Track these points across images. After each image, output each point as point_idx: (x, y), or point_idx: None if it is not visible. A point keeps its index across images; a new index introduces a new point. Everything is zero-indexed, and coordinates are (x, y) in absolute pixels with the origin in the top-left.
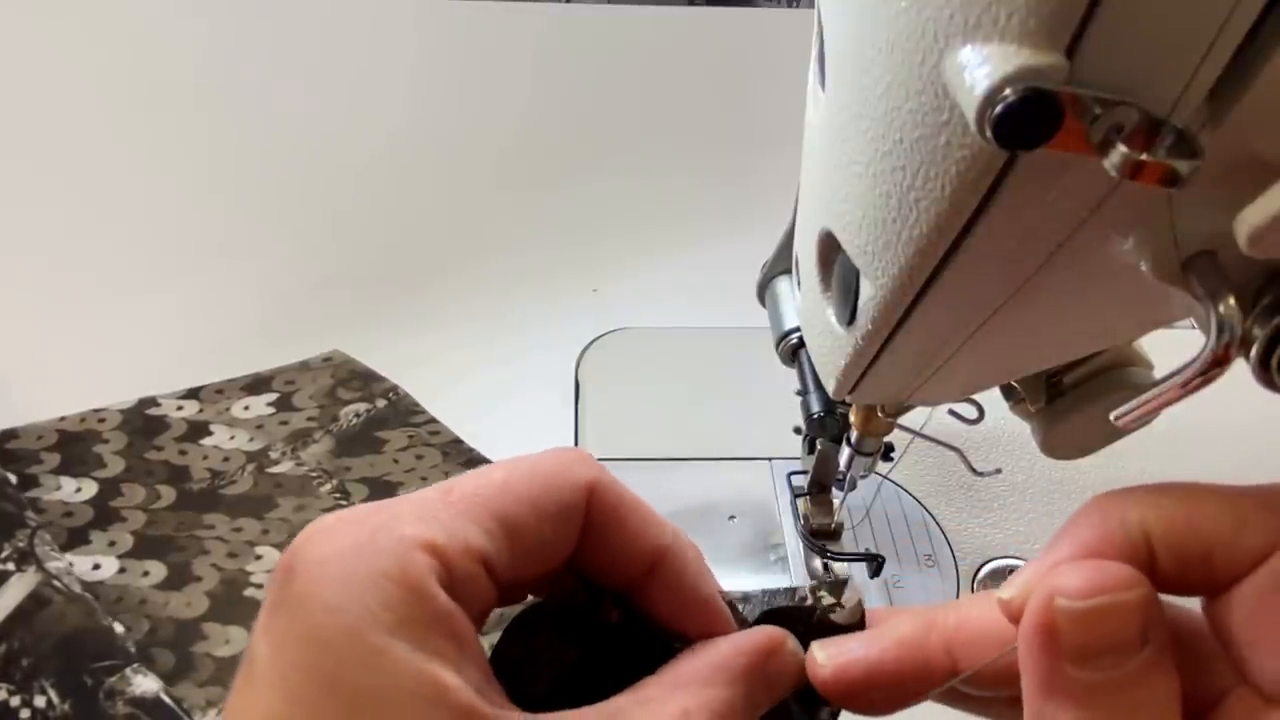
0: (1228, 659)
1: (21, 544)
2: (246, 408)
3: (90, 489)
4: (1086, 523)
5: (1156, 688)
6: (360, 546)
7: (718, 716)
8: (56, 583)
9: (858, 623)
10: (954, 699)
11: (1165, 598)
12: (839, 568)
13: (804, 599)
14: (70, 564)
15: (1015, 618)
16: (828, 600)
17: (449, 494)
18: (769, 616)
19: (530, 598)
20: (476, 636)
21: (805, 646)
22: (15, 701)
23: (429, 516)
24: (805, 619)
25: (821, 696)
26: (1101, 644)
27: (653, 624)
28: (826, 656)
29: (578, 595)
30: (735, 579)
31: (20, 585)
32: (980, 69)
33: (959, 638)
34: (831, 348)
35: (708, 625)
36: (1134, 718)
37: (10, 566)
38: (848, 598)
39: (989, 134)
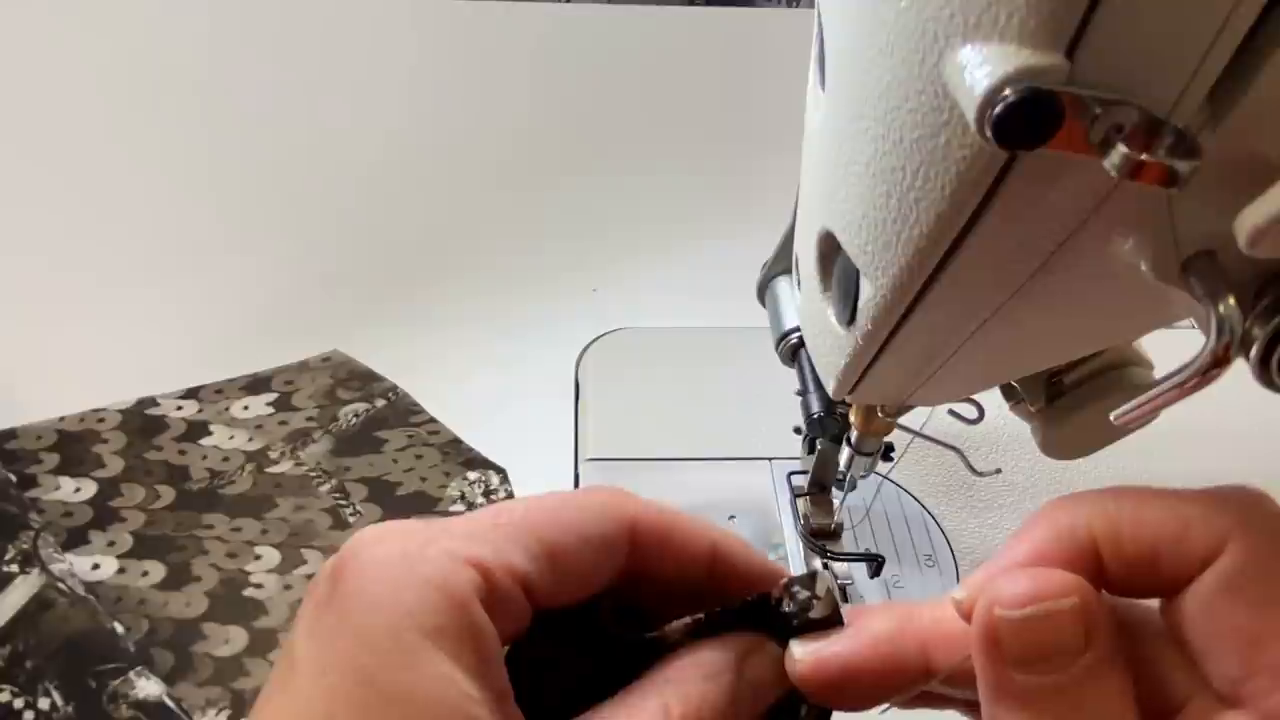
0: (1186, 662)
1: (25, 546)
2: (246, 408)
3: (89, 489)
4: (1037, 527)
5: (1103, 690)
6: (409, 554)
7: (697, 712)
8: (60, 585)
9: (833, 613)
10: (936, 700)
11: (1133, 601)
12: (838, 568)
13: (779, 598)
14: (72, 566)
15: (969, 619)
16: (803, 595)
17: (499, 516)
18: (749, 616)
19: None
20: (502, 660)
21: (783, 636)
22: (19, 704)
23: (478, 535)
24: (782, 615)
25: (800, 695)
26: (1042, 650)
27: (648, 626)
28: (804, 653)
29: (603, 615)
30: None
31: (24, 587)
32: (980, 69)
33: (933, 636)
34: (831, 348)
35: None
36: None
37: (14, 569)
38: (820, 589)
39: (989, 134)
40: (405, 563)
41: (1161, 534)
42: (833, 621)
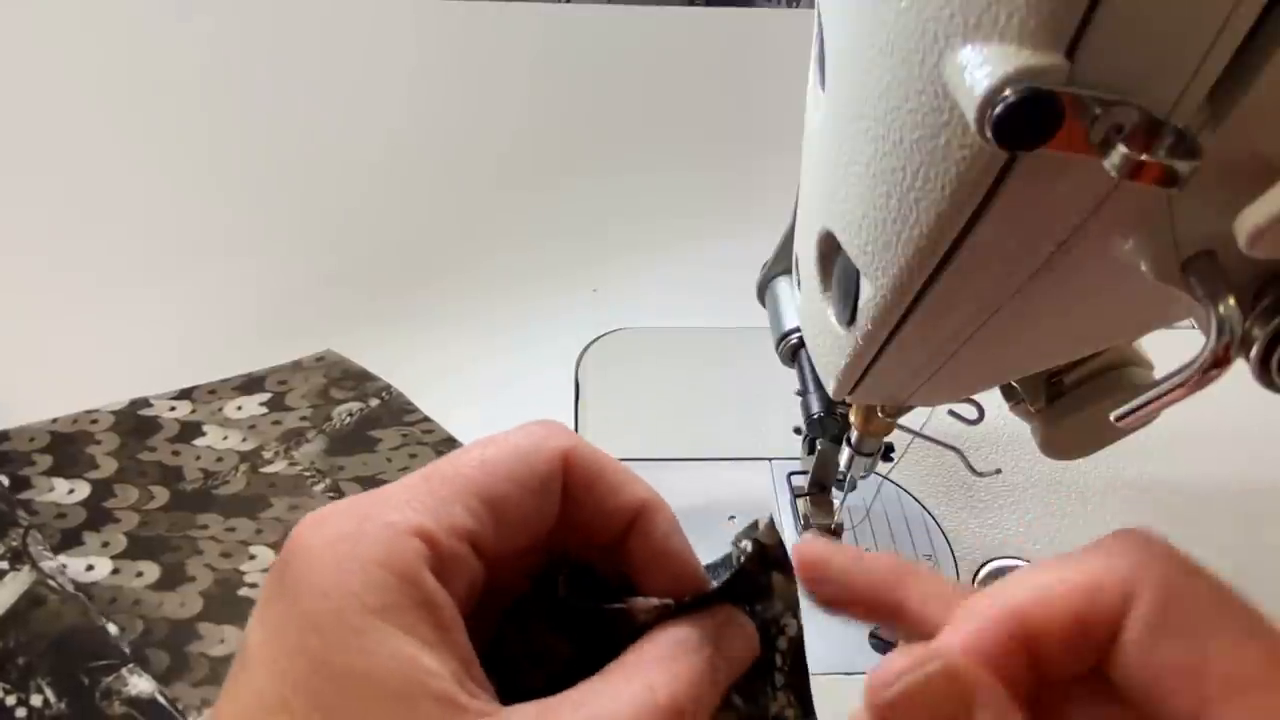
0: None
1: (15, 543)
2: (239, 408)
3: (83, 490)
4: (965, 620)
5: None
6: (350, 534)
7: (682, 689)
8: (51, 582)
9: (777, 542)
10: None
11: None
12: None
13: (735, 557)
14: (64, 565)
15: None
16: (749, 544)
17: (430, 479)
18: (719, 591)
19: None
20: (462, 625)
21: (755, 598)
22: (11, 700)
23: (415, 502)
24: (742, 571)
25: (778, 629)
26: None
27: (605, 593)
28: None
29: (558, 578)
30: None
31: (14, 584)
32: (980, 69)
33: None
34: (831, 348)
35: (681, 580)
36: None
37: (4, 565)
38: (761, 526)
39: (989, 134)
40: (347, 543)
41: (1077, 598)
42: (783, 551)
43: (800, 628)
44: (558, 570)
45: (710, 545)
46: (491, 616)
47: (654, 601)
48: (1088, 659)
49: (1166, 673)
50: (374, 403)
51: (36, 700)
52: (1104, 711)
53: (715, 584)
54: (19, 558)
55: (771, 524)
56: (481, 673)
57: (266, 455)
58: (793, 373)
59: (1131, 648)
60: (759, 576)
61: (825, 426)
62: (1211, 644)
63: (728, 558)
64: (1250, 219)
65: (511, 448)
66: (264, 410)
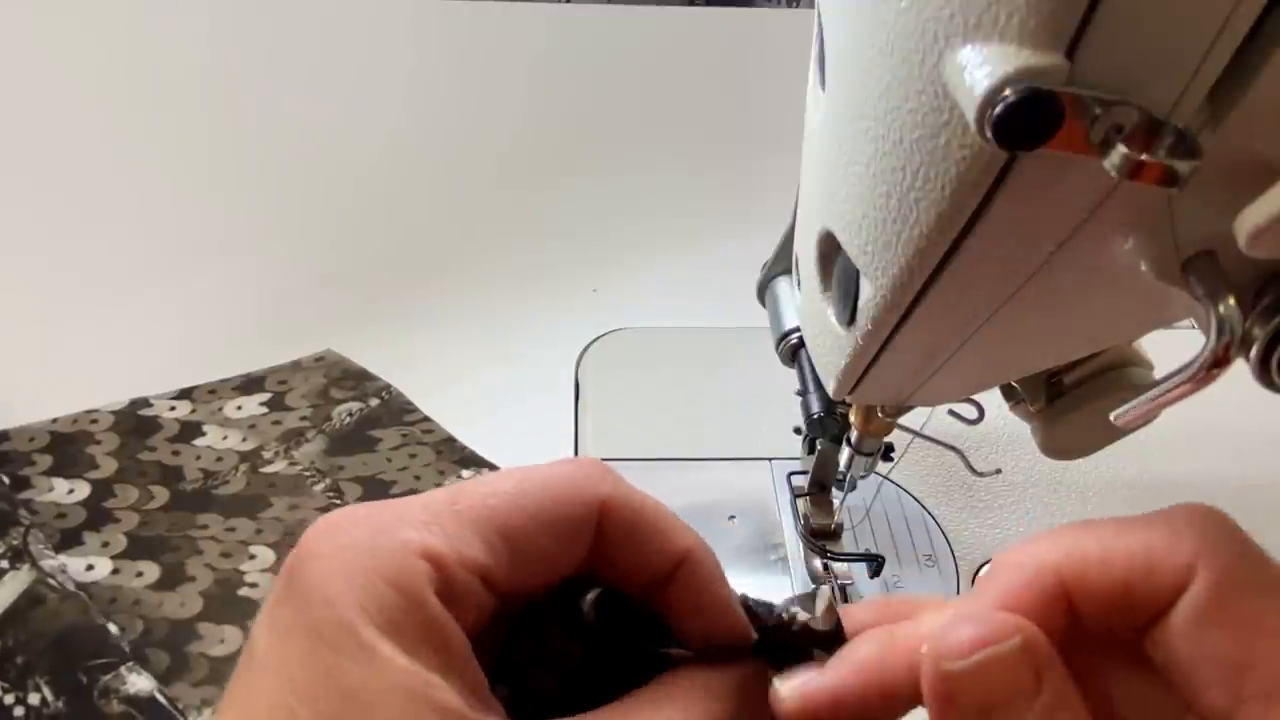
0: (1170, 695)
1: (15, 542)
2: (239, 408)
3: (83, 490)
4: (1002, 574)
5: None
6: (361, 545)
7: None
8: (51, 580)
9: (835, 627)
10: None
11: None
12: (838, 568)
13: (780, 616)
14: (64, 565)
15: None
16: (802, 616)
17: (456, 502)
18: (757, 644)
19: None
20: (469, 651)
21: (788, 661)
22: (10, 699)
23: (433, 523)
24: (787, 634)
25: None
26: (996, 698)
27: (633, 620)
28: (789, 690)
29: (579, 591)
30: (735, 579)
31: (14, 583)
32: (980, 69)
33: (919, 657)
34: (831, 348)
35: (720, 631)
36: None
37: (4, 564)
38: (819, 606)
39: (989, 134)
40: (357, 554)
41: (1130, 568)
42: (837, 637)
43: None
44: (580, 584)
45: (710, 545)
46: (501, 623)
47: (686, 652)
48: (1125, 627)
49: (1208, 663)
50: (374, 403)
51: (34, 699)
52: (1136, 679)
53: (754, 635)
54: (19, 556)
55: (831, 608)
56: (491, 696)
57: (266, 455)
58: (793, 373)
59: (1177, 629)
60: (802, 649)
61: (825, 426)
62: (1261, 643)
63: (772, 609)
64: (1250, 219)
65: (545, 486)
66: (264, 410)
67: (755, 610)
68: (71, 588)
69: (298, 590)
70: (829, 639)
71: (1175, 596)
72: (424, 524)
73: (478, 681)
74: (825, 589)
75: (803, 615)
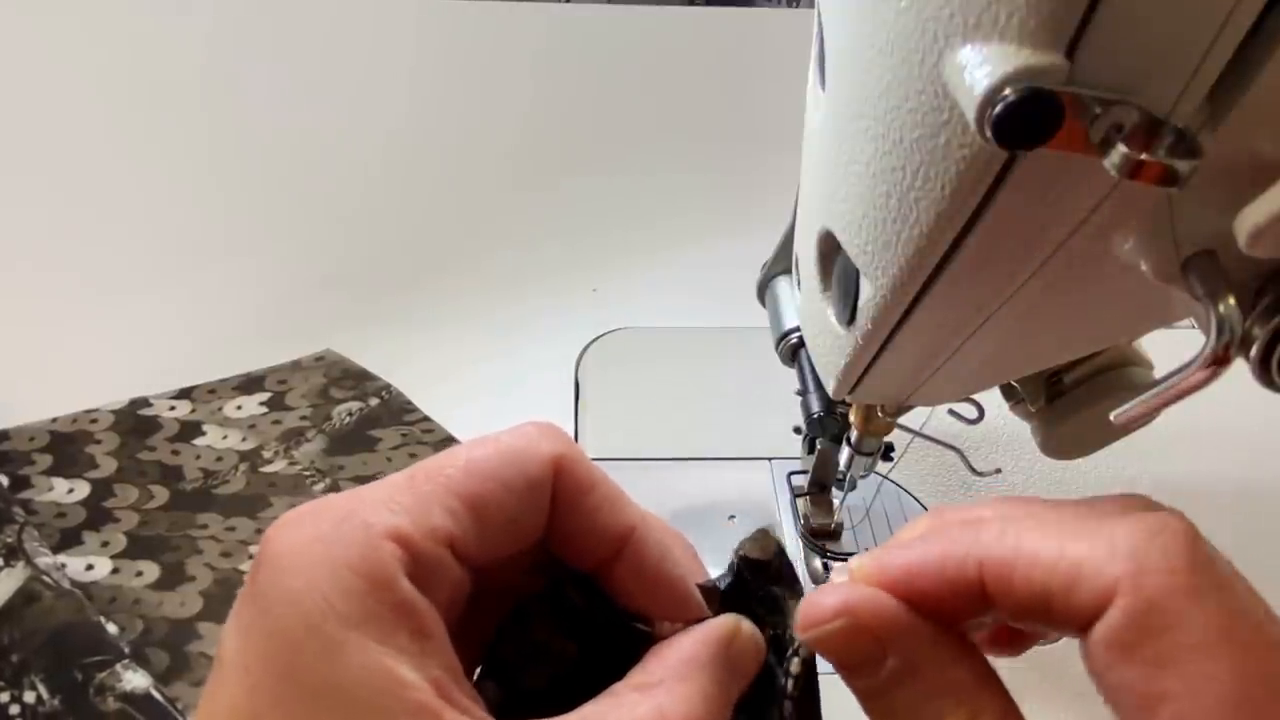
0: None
1: (9, 539)
2: (239, 407)
3: (83, 490)
4: (927, 544)
5: (912, 694)
6: (323, 537)
7: (693, 708)
8: (45, 578)
9: (775, 555)
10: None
11: None
12: (839, 568)
13: (733, 566)
14: (63, 564)
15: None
16: (754, 553)
17: (414, 479)
18: (723, 600)
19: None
20: (444, 634)
21: (759, 607)
22: (5, 698)
23: (394, 503)
24: (739, 579)
25: (791, 649)
26: (850, 660)
27: (619, 607)
28: (866, 559)
29: (566, 587)
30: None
31: (9, 581)
32: (980, 69)
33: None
34: (831, 348)
35: (673, 607)
36: (900, 717)
37: None
38: (767, 542)
39: (989, 134)
40: (320, 547)
41: (1052, 578)
42: (783, 570)
43: (812, 651)
44: (561, 579)
45: (710, 545)
46: (488, 622)
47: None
48: (1049, 631)
49: (1119, 688)
50: (374, 402)
51: (30, 697)
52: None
53: (706, 612)
54: (13, 554)
55: (767, 533)
56: (469, 684)
57: (266, 455)
58: (793, 373)
59: (1094, 648)
60: (758, 589)
61: (825, 426)
62: (1170, 680)
63: (731, 567)
64: (1250, 219)
65: (500, 448)
66: (264, 410)
67: (709, 589)
68: (67, 585)
69: (261, 590)
70: (777, 572)
71: (1095, 616)
72: (384, 505)
73: (452, 665)
74: (770, 528)
75: (755, 553)
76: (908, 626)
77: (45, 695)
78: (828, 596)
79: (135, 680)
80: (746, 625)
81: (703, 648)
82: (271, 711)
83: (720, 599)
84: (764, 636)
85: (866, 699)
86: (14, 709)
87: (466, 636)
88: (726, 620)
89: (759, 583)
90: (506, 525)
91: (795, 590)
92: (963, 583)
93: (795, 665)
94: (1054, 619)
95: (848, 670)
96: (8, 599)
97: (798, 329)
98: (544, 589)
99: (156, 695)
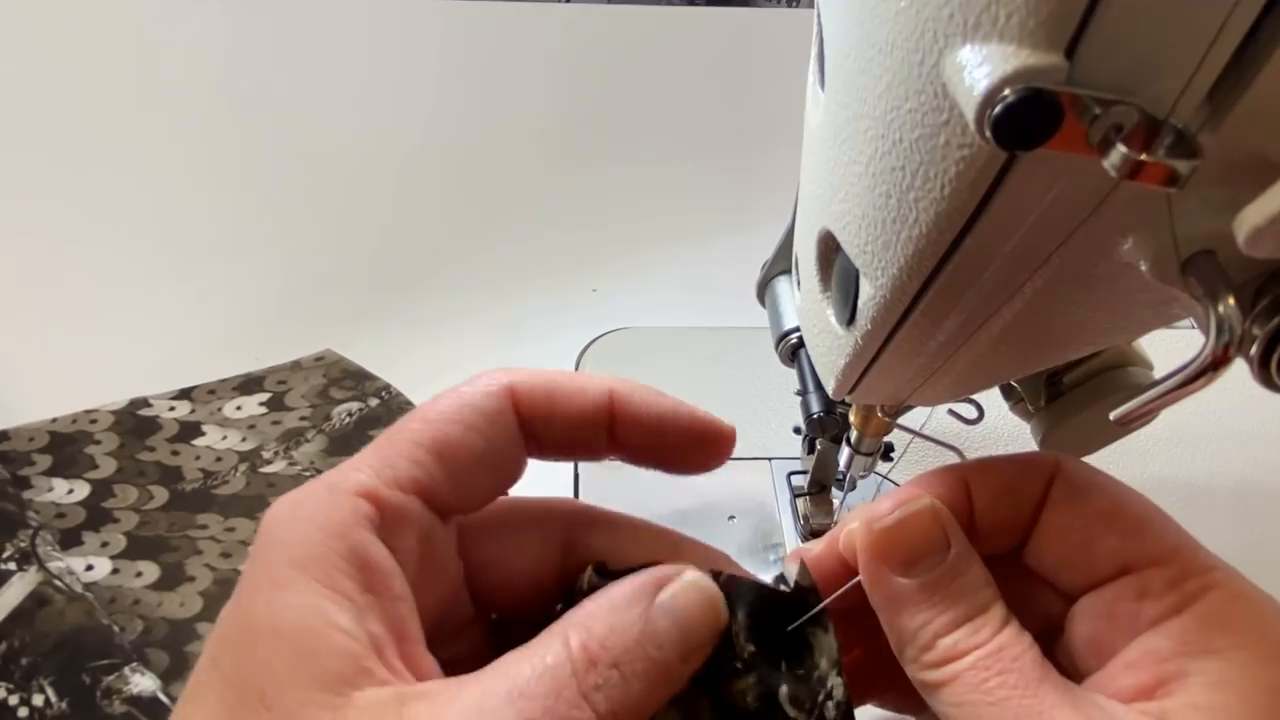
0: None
1: (23, 544)
2: (239, 408)
3: (82, 490)
4: (920, 478)
5: (972, 574)
6: (297, 502)
7: (599, 642)
8: (58, 582)
9: (811, 584)
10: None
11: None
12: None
13: (796, 585)
14: (71, 566)
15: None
16: (805, 580)
17: (379, 440)
18: (756, 602)
19: (559, 606)
20: (407, 594)
21: (796, 655)
22: (14, 700)
23: (360, 464)
24: (803, 599)
25: (824, 692)
26: (917, 551)
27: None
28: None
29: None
30: None
31: (21, 585)
32: (980, 69)
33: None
34: (831, 348)
35: (683, 429)
36: (962, 601)
37: (11, 566)
38: (795, 570)
39: (989, 134)
40: (290, 509)
41: (1010, 477)
42: (812, 591)
43: (846, 689)
44: (578, 584)
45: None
46: (515, 634)
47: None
48: (1009, 535)
49: (1067, 546)
50: (373, 402)
51: (38, 700)
52: (1019, 588)
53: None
54: (27, 558)
55: (803, 564)
56: (427, 653)
57: (266, 455)
58: (793, 373)
59: (1046, 527)
60: (802, 613)
61: (825, 426)
62: (1097, 527)
63: (780, 578)
64: (1250, 219)
65: (455, 394)
66: (263, 410)
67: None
68: (79, 589)
69: (246, 564)
70: (814, 606)
71: (1039, 506)
72: (354, 467)
73: (404, 629)
74: (790, 567)
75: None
76: (957, 523)
77: (53, 698)
78: (890, 497)
79: (143, 684)
80: (692, 573)
81: (627, 588)
82: (227, 655)
83: (778, 597)
84: (800, 687)
85: (927, 594)
86: (22, 711)
87: (489, 641)
88: (667, 566)
89: (810, 604)
90: (476, 464)
91: (824, 625)
92: (957, 486)
93: (831, 710)
94: (1021, 502)
95: (916, 559)
96: (19, 602)
97: (797, 329)
98: (562, 602)
99: (163, 698)
